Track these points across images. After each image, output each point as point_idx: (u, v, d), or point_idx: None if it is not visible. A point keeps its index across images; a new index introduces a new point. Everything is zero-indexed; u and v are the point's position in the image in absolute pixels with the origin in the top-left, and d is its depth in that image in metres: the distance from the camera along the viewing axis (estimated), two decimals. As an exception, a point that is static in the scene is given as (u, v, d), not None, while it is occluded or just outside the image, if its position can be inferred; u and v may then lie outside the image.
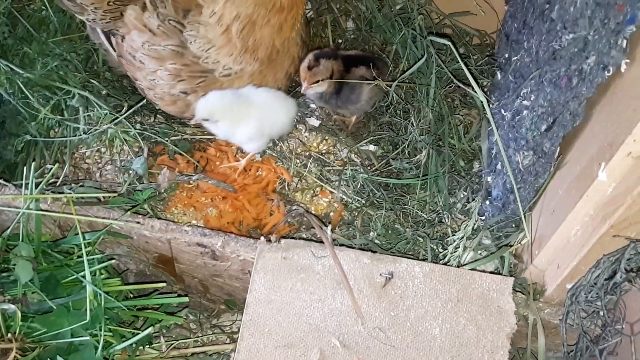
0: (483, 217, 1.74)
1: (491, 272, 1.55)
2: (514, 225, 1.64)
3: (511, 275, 1.55)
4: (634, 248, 1.22)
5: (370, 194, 1.85)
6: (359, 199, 1.84)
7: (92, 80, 1.98)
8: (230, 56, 1.74)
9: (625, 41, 1.15)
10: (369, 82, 1.85)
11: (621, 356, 1.36)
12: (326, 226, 1.61)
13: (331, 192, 1.88)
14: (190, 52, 1.73)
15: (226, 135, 1.82)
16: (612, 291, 1.29)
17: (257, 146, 1.85)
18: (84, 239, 1.59)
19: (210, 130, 1.82)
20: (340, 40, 2.19)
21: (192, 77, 1.76)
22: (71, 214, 1.61)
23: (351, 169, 1.88)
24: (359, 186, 1.86)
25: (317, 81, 1.82)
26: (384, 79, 1.88)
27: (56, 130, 1.93)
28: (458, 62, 1.81)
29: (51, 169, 1.72)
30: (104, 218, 1.65)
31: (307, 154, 1.95)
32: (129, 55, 1.78)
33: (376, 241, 1.75)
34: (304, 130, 2.00)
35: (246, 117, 1.76)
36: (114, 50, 1.85)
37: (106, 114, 1.86)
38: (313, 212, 1.85)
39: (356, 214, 1.83)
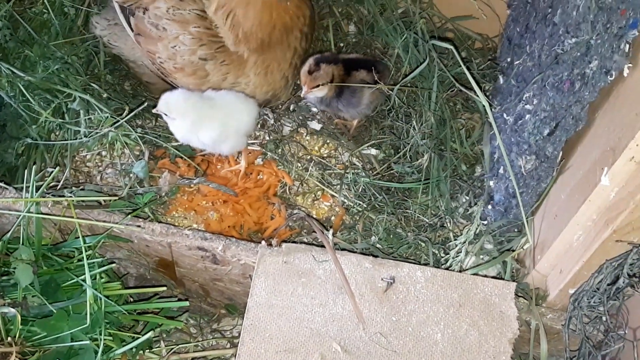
0: (485, 222, 1.73)
1: (493, 277, 1.54)
2: (516, 230, 1.63)
3: (513, 280, 1.54)
4: (636, 253, 1.22)
5: (372, 198, 1.84)
6: (361, 203, 1.84)
7: (93, 84, 1.98)
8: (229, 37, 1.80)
9: (627, 45, 1.15)
10: (370, 86, 1.85)
11: (624, 362, 1.35)
12: (327, 230, 1.61)
13: (332, 196, 1.87)
14: (210, 18, 1.79)
15: (185, 138, 1.80)
16: (615, 296, 1.29)
17: (231, 146, 1.84)
18: (85, 242, 1.59)
19: (171, 129, 1.82)
20: (341, 44, 2.19)
21: (212, 41, 1.80)
22: (72, 217, 1.61)
23: (352, 173, 1.87)
24: (360, 190, 1.86)
25: (317, 85, 1.82)
26: (385, 82, 1.88)
27: (57, 133, 1.93)
28: (460, 66, 1.80)
29: (52, 172, 1.72)
30: (104, 221, 1.64)
31: (309, 157, 1.95)
32: (151, 26, 1.81)
33: (378, 245, 1.75)
34: (305, 134, 2.00)
35: (209, 120, 1.76)
36: (132, 30, 1.87)
37: (107, 117, 1.85)
38: (314, 216, 1.85)
39: (357, 218, 1.83)
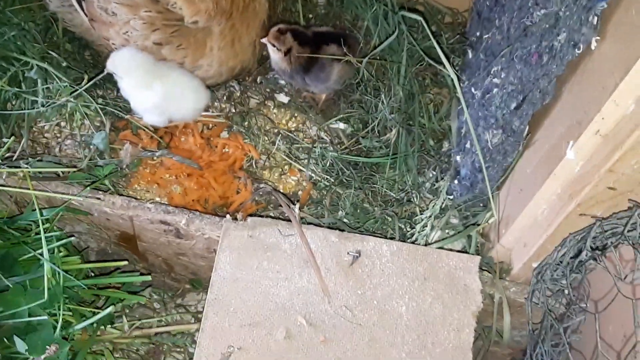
0: (451, 197, 1.73)
1: (458, 251, 1.55)
2: (481, 205, 1.64)
3: (478, 254, 1.54)
4: (599, 226, 1.23)
5: (340, 173, 1.82)
6: (328, 177, 1.82)
7: (51, 52, 1.90)
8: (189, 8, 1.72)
9: (596, 18, 1.14)
10: (338, 57, 1.82)
11: (585, 334, 1.37)
12: (294, 204, 1.59)
13: (300, 171, 1.85)
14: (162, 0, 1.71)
15: (126, 95, 1.77)
16: (578, 269, 1.30)
17: (155, 121, 1.81)
18: (42, 215, 1.54)
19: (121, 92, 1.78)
20: (310, 15, 2.14)
21: (167, 25, 1.72)
22: (28, 189, 1.55)
23: (320, 147, 1.85)
24: (328, 165, 1.84)
25: (275, 46, 1.81)
26: (355, 55, 1.85)
27: (13, 102, 1.85)
28: (429, 40, 1.78)
29: (7, 142, 1.65)
30: (62, 194, 1.59)
31: (276, 131, 1.91)
32: (101, 10, 1.72)
33: (345, 220, 1.73)
34: (272, 107, 1.96)
35: (149, 89, 1.72)
36: (86, 15, 1.78)
37: (66, 86, 1.79)
38: (281, 190, 1.82)
39: (325, 192, 1.81)
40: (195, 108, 1.82)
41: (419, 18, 1.71)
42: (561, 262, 1.33)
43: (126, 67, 1.71)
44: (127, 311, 1.83)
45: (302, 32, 1.85)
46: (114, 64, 1.72)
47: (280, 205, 1.69)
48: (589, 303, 1.34)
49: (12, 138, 1.68)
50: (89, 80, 1.79)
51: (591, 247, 1.24)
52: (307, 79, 1.87)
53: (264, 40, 1.83)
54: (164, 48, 1.74)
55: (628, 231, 1.17)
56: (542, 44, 1.33)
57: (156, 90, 1.72)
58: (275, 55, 1.85)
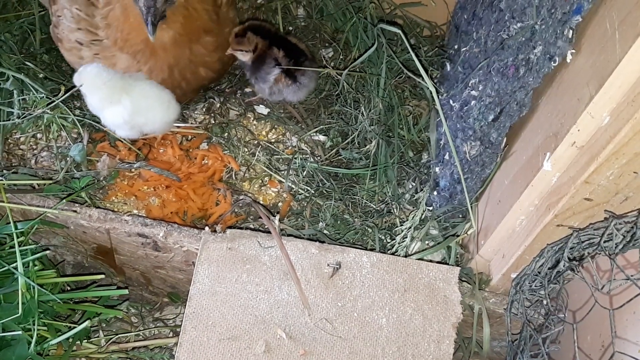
0: (431, 208, 1.74)
1: (438, 262, 1.55)
2: (460, 216, 1.65)
3: (457, 265, 1.55)
4: (576, 237, 1.24)
5: (320, 184, 1.82)
6: (308, 188, 1.81)
7: (28, 63, 1.88)
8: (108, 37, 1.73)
9: (571, 31, 1.16)
10: (319, 70, 1.83)
11: (563, 344, 1.38)
12: (274, 216, 1.58)
13: (280, 182, 1.84)
14: (99, 11, 1.71)
15: (94, 111, 1.77)
16: (556, 280, 1.31)
17: (127, 135, 1.79)
18: (16, 228, 1.51)
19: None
20: (290, 28, 2.15)
21: (89, 31, 1.73)
22: (2, 201, 1.52)
23: (300, 158, 1.85)
24: (308, 176, 1.83)
25: (241, 50, 1.84)
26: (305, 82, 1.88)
27: (-12, 114, 1.83)
28: (408, 52, 1.80)
29: (-19, 154, 1.63)
30: (37, 206, 1.56)
31: (256, 142, 1.91)
32: None
33: (325, 231, 1.73)
34: (252, 118, 1.96)
35: (117, 104, 1.71)
36: None
37: (42, 97, 1.77)
38: (261, 202, 1.81)
39: (305, 204, 1.80)
40: (165, 121, 1.80)
41: (398, 31, 1.73)
42: (539, 272, 1.33)
43: (92, 84, 1.70)
44: (104, 325, 1.79)
45: (260, 26, 1.87)
46: (79, 80, 1.72)
47: (260, 217, 1.68)
48: (567, 313, 1.35)
49: (-13, 150, 1.65)
50: (66, 92, 1.77)
51: (568, 258, 1.24)
52: (253, 71, 1.89)
53: (229, 51, 1.83)
54: (83, 49, 1.75)
55: (604, 242, 1.18)
56: (518, 56, 1.34)
57: (125, 106, 1.70)
58: (245, 58, 1.86)
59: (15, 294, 1.46)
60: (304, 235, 1.67)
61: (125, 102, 1.70)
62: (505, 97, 1.40)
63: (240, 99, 1.99)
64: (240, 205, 1.78)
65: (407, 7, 2.15)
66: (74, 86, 1.77)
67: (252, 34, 1.83)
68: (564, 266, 1.26)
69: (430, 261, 1.55)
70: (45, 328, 1.52)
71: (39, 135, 1.84)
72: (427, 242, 1.64)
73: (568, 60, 1.18)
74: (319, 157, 1.88)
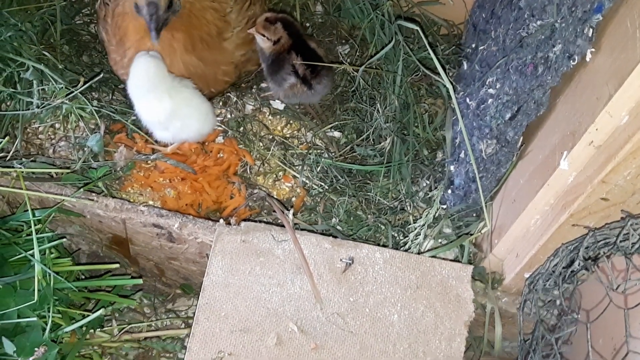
0: (445, 206, 1.74)
1: (451, 261, 1.55)
2: (474, 215, 1.64)
3: (470, 264, 1.55)
4: (592, 237, 1.23)
5: (334, 180, 1.82)
6: (322, 184, 1.82)
7: (47, 53, 1.90)
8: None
9: (591, 30, 1.15)
10: (336, 65, 1.83)
11: (576, 345, 1.37)
12: (288, 210, 1.58)
13: (294, 177, 1.85)
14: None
15: (131, 97, 1.72)
16: (570, 280, 1.30)
17: (159, 136, 1.78)
18: (34, 216, 1.53)
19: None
20: (308, 24, 2.15)
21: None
22: (21, 189, 1.54)
23: (315, 154, 1.85)
24: (322, 172, 1.84)
25: (265, 36, 1.80)
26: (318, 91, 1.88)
27: (8, 103, 1.84)
28: (425, 50, 1.79)
29: (1, 142, 1.65)
30: (55, 194, 1.58)
31: (271, 137, 1.91)
32: None
33: (338, 227, 1.73)
34: (268, 114, 1.97)
35: (159, 104, 1.67)
36: None
37: (61, 88, 1.78)
38: (275, 196, 1.82)
39: (319, 199, 1.81)
40: (200, 132, 1.78)
41: (416, 28, 1.72)
42: (553, 272, 1.33)
43: (144, 77, 1.65)
44: (117, 315, 1.81)
45: (292, 23, 1.85)
46: (136, 63, 1.66)
47: (274, 211, 1.69)
48: (581, 313, 1.34)
49: (6, 138, 1.67)
50: (84, 83, 1.78)
51: (584, 257, 1.24)
52: (269, 69, 1.87)
53: (251, 30, 1.81)
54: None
55: (620, 241, 1.17)
56: (537, 55, 1.34)
57: (165, 107, 1.67)
58: (264, 45, 1.83)
59: (31, 280, 1.47)
60: (317, 230, 1.67)
61: (165, 103, 1.66)
62: (522, 96, 1.40)
63: (256, 94, 2.00)
64: (255, 199, 1.79)
65: (425, 5, 2.14)
66: (94, 77, 1.79)
67: (281, 26, 1.80)
68: (579, 265, 1.25)
69: (443, 259, 1.55)
70: (59, 315, 1.53)
71: (57, 125, 1.86)
72: (440, 240, 1.64)
73: (587, 59, 1.17)
74: (333, 153, 1.88)
